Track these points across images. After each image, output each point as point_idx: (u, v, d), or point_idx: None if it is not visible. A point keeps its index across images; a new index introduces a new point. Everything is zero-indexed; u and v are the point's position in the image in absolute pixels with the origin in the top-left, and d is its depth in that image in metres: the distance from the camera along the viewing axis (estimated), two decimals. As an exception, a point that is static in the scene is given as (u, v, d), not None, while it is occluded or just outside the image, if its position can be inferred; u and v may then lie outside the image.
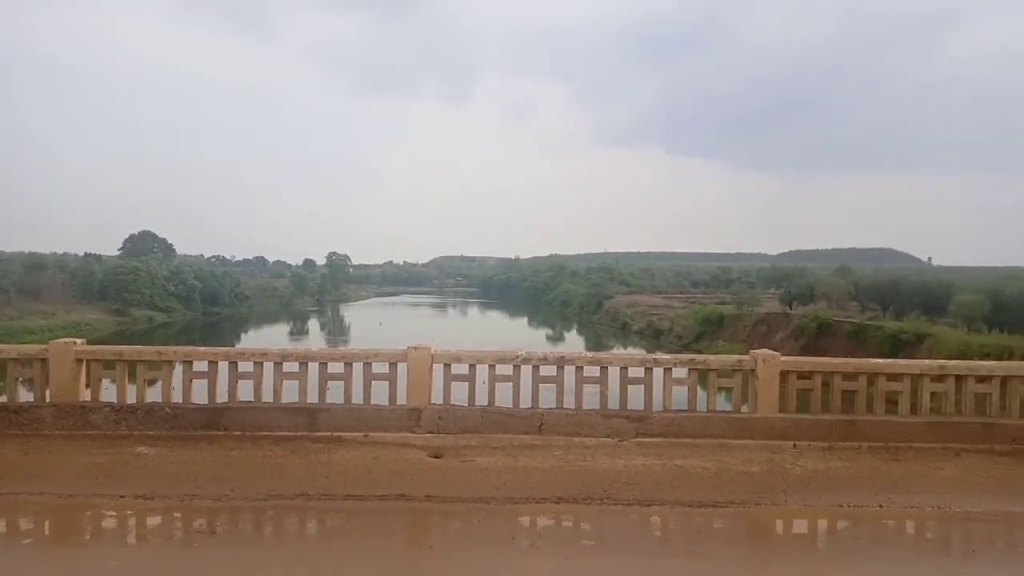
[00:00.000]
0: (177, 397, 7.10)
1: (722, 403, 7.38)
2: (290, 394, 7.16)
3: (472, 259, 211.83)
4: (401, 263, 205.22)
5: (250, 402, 7.08)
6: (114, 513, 5.30)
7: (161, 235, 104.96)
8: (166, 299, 75.43)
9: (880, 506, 5.55)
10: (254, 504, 5.40)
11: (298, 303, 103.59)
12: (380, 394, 7.14)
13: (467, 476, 6.03)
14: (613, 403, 7.14)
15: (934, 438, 6.87)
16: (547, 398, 7.19)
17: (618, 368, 7.25)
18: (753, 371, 7.13)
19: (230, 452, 6.48)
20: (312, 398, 7.12)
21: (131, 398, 7.11)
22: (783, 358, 7.23)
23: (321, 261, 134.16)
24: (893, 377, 7.21)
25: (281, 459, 6.33)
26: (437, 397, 7.13)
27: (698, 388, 7.32)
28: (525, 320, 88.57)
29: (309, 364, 7.17)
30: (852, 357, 8.11)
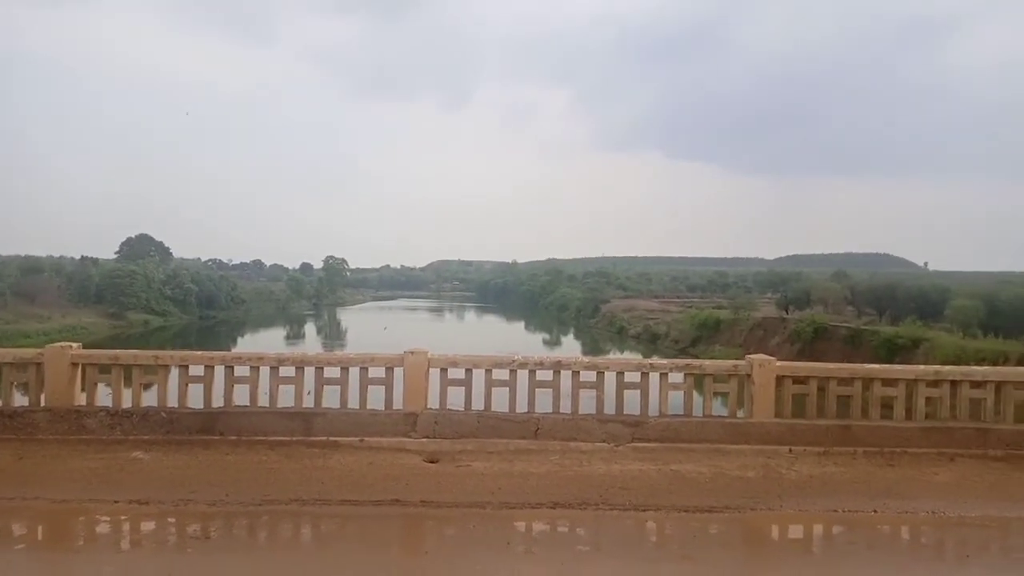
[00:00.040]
0: (173, 401, 7.09)
1: (718, 408, 7.40)
2: (286, 398, 7.15)
3: (469, 263, 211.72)
4: (398, 267, 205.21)
5: (246, 406, 7.07)
6: (109, 518, 5.28)
7: (158, 238, 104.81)
8: (162, 303, 75.31)
9: (875, 511, 5.56)
10: (249, 509, 5.38)
11: (295, 307, 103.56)
12: (376, 398, 7.14)
13: (463, 481, 6.02)
14: (609, 408, 7.14)
15: (929, 443, 6.88)
16: (543, 403, 7.19)
17: (614, 373, 7.26)
18: (749, 376, 7.15)
19: (225, 457, 6.47)
20: (308, 403, 7.11)
21: (127, 402, 7.09)
22: (779, 363, 7.24)
23: (318, 265, 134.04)
24: (888, 382, 7.24)
25: (276, 464, 6.32)
26: (433, 402, 7.13)
27: (694, 393, 7.33)
28: (522, 324, 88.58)
29: (305, 368, 7.17)
30: (848, 362, 8.14)
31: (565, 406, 7.17)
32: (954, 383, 7.20)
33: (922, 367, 7.64)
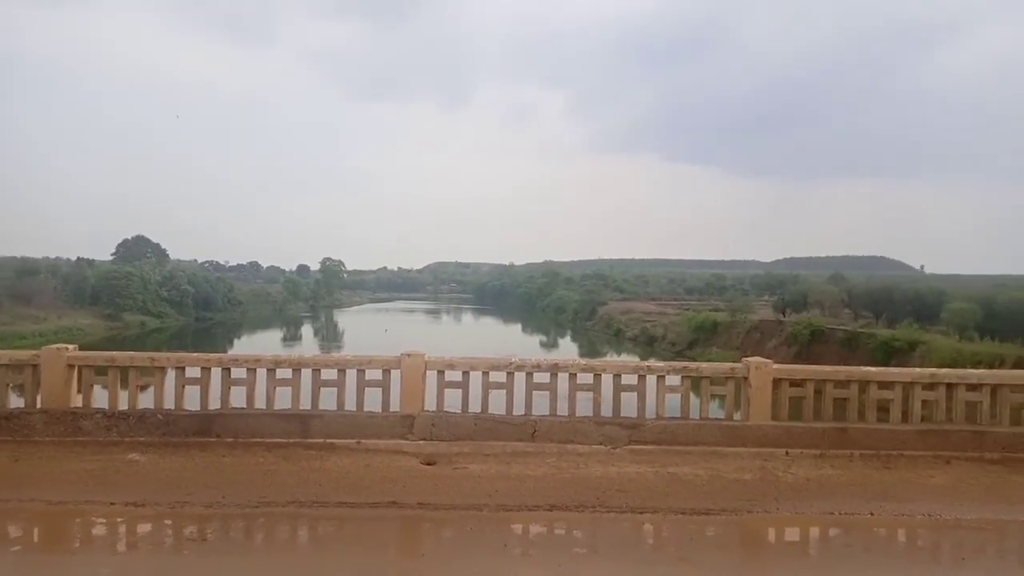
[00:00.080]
0: (169, 403, 7.08)
1: (715, 410, 7.40)
2: (283, 401, 7.14)
3: (467, 265, 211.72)
4: (395, 269, 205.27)
5: (243, 409, 7.06)
6: (105, 520, 5.27)
7: (155, 240, 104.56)
8: (159, 304, 75.22)
9: (871, 514, 5.57)
10: (246, 511, 5.38)
11: (292, 308, 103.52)
12: (373, 401, 7.13)
13: (460, 483, 6.02)
14: (606, 410, 7.15)
15: (925, 446, 6.90)
16: (540, 405, 7.19)
17: (611, 375, 7.27)
18: (746, 379, 7.16)
19: (222, 459, 6.46)
20: (305, 405, 7.10)
21: (123, 404, 7.08)
22: (775, 366, 7.26)
23: (315, 266, 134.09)
24: (884, 385, 7.25)
25: (273, 466, 6.31)
26: (430, 404, 7.13)
27: (691, 395, 7.34)
28: (519, 326, 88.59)
29: (302, 370, 7.16)
30: (845, 365, 8.17)
31: (562, 408, 7.17)
32: (950, 386, 7.21)
33: (918, 370, 7.66)
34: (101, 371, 7.18)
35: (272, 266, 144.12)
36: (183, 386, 7.11)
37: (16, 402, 7.24)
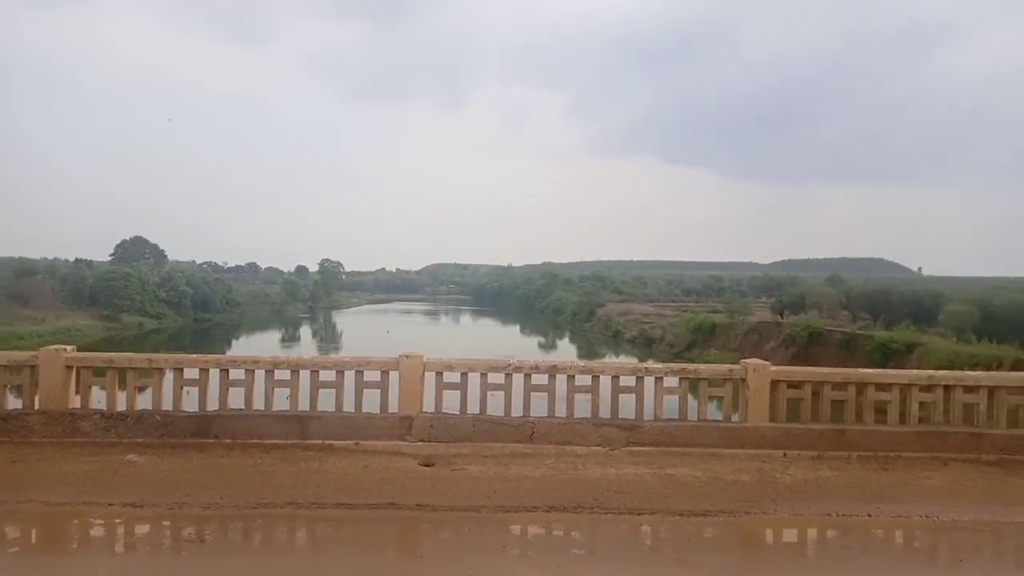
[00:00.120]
0: (167, 404, 7.08)
1: (713, 412, 7.41)
2: (281, 402, 7.15)
3: (465, 266, 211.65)
4: (394, 270, 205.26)
5: (241, 410, 7.06)
6: (103, 521, 5.27)
7: (153, 241, 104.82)
8: (157, 305, 75.11)
9: (869, 515, 5.58)
10: (244, 512, 5.38)
11: (290, 310, 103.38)
12: (372, 402, 7.13)
13: (458, 485, 6.03)
14: (604, 412, 7.15)
15: (922, 447, 6.91)
16: (539, 407, 7.20)
17: (609, 377, 7.28)
18: (743, 380, 7.17)
19: (220, 460, 6.46)
20: (303, 406, 7.10)
21: (121, 405, 7.07)
22: (773, 367, 7.27)
23: (314, 268, 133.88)
24: (882, 387, 7.26)
25: (271, 467, 6.31)
26: (429, 405, 7.13)
27: (689, 397, 7.35)
28: (517, 328, 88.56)
29: (300, 372, 7.16)
30: (843, 366, 8.19)
31: (560, 410, 7.18)
32: (948, 388, 7.23)
33: (916, 372, 7.68)
34: (99, 372, 7.18)
35: (270, 267, 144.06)
36: (181, 387, 7.11)
37: (14, 403, 7.24)
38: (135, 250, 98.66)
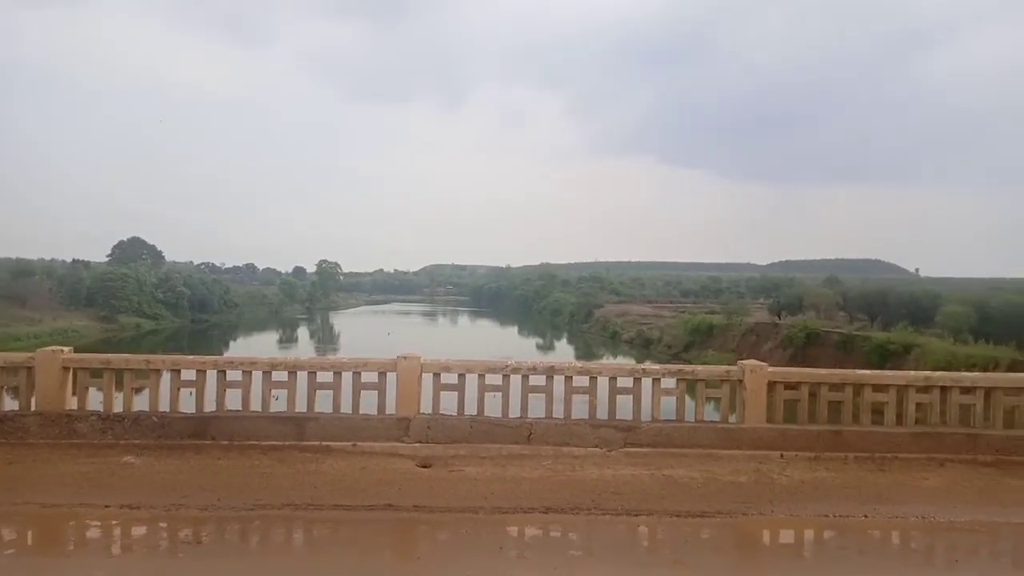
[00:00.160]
0: (164, 406, 7.07)
1: (710, 413, 7.42)
2: (278, 403, 7.14)
3: (463, 267, 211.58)
4: (392, 271, 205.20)
5: (238, 411, 7.05)
6: (100, 523, 5.26)
7: (150, 242, 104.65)
8: (154, 306, 74.99)
9: (865, 516, 5.59)
10: (241, 514, 5.37)
11: (288, 311, 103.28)
12: (369, 403, 7.13)
13: (455, 486, 6.03)
14: (602, 413, 7.16)
15: (919, 448, 6.93)
16: (536, 408, 7.20)
17: (607, 378, 7.28)
18: (741, 382, 7.18)
19: (217, 461, 6.45)
20: (301, 407, 7.10)
21: (118, 407, 7.07)
22: (770, 369, 7.28)
23: (311, 269, 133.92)
24: (879, 388, 7.28)
25: (269, 468, 6.30)
26: (426, 407, 7.13)
27: (686, 398, 7.36)
28: (515, 329, 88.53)
29: (298, 373, 7.16)
30: (840, 367, 8.20)
31: (558, 411, 7.18)
32: (944, 389, 7.25)
33: (912, 373, 7.70)
34: (96, 373, 7.17)
35: (268, 268, 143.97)
36: (178, 388, 7.11)
37: (10, 404, 7.22)
38: (132, 251, 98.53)
